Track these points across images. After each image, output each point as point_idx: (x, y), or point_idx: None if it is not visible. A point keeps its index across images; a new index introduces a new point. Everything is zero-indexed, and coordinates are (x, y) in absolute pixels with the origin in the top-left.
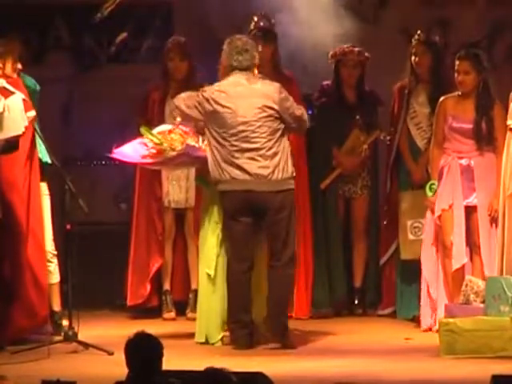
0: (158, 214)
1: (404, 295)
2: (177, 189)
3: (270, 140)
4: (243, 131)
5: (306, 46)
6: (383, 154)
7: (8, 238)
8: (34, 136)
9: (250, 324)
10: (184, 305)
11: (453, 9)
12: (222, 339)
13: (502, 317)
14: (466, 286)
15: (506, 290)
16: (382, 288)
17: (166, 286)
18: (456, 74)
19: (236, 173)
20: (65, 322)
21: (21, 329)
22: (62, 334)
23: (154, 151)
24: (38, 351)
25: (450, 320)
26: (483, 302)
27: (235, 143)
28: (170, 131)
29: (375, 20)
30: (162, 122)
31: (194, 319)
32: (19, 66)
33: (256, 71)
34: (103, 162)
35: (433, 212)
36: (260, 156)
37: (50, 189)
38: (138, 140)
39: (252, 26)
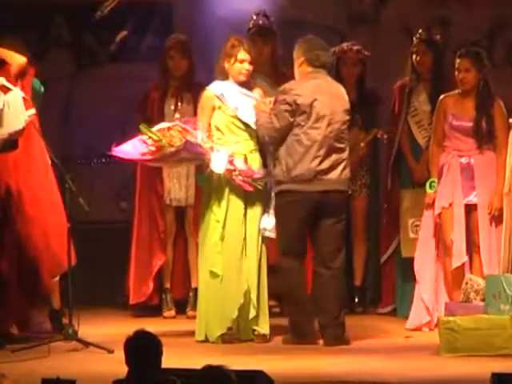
0: (160, 212)
1: (404, 293)
2: (177, 187)
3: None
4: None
5: None
6: (384, 152)
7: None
8: (33, 135)
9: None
10: (184, 303)
11: (453, 8)
12: (221, 337)
13: (502, 315)
14: (466, 284)
15: (506, 288)
16: (382, 286)
17: (167, 285)
18: (456, 72)
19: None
20: (65, 321)
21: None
22: (62, 332)
23: (153, 148)
24: (38, 349)
25: (450, 318)
26: (483, 300)
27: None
28: (169, 128)
29: (376, 19)
30: (161, 120)
31: (194, 317)
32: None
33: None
34: (103, 160)
35: (428, 208)
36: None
37: None
38: (138, 138)
39: (251, 24)
